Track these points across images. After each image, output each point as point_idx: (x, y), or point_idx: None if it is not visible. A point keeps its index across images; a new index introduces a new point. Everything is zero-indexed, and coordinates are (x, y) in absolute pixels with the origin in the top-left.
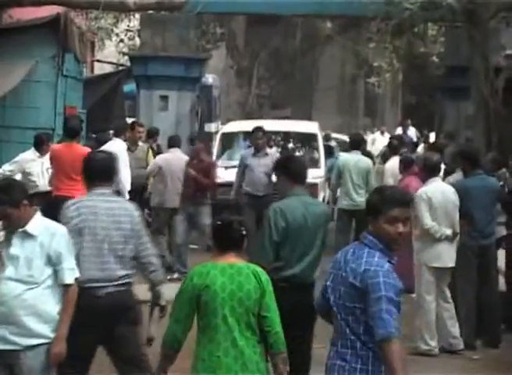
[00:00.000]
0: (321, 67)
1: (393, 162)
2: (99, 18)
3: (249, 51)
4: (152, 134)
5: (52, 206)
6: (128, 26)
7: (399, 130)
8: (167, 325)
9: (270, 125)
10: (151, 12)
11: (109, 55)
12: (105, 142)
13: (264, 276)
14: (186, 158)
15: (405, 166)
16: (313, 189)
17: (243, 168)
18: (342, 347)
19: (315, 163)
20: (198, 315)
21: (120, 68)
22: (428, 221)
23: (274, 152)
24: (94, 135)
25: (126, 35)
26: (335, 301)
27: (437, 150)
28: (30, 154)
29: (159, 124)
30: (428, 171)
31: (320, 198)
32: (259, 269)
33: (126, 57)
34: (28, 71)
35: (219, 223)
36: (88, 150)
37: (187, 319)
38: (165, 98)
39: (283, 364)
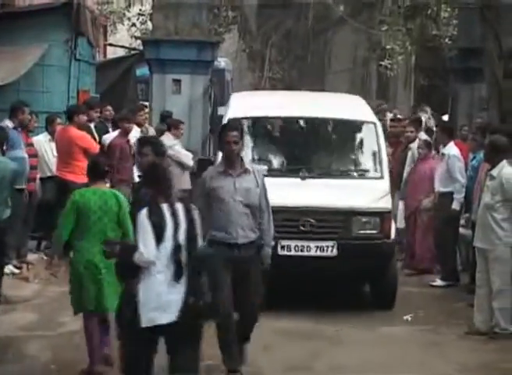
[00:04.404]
0: (333, 50)
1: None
2: (111, 2)
3: (261, 35)
4: (165, 118)
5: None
6: (140, 10)
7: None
8: (56, 232)
9: (301, 106)
10: None
11: (121, 39)
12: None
13: (121, 197)
14: None
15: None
16: (382, 220)
17: (204, 197)
18: None
19: (376, 170)
20: (78, 220)
21: (133, 52)
22: None
23: (259, 167)
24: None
25: (138, 19)
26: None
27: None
28: (42, 137)
29: (172, 107)
30: (502, 153)
31: (392, 234)
32: (118, 193)
33: (139, 41)
34: (41, 55)
35: (92, 162)
36: (80, 134)
37: (70, 224)
38: (177, 81)
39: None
